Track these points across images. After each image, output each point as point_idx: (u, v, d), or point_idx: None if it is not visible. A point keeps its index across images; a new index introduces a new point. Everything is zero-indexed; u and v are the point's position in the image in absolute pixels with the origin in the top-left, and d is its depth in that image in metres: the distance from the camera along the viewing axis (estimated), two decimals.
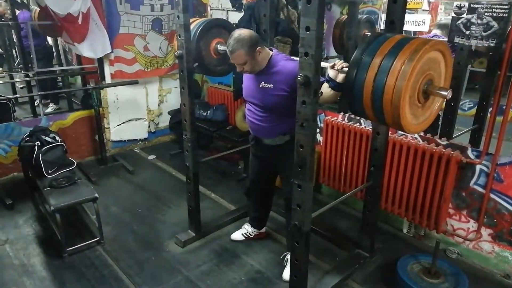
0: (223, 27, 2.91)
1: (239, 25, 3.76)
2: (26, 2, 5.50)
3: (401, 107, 1.65)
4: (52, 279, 2.66)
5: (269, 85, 2.31)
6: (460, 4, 2.64)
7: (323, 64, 1.91)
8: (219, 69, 2.95)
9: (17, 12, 4.93)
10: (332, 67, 1.98)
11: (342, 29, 3.68)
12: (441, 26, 3.36)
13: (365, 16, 3.81)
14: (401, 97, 1.63)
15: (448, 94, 1.74)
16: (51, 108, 5.53)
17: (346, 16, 3.62)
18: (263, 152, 2.66)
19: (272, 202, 3.03)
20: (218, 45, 2.82)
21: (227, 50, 2.28)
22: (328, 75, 2.01)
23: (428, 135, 2.89)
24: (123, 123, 4.77)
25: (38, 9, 4.53)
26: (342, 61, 1.99)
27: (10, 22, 4.85)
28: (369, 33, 3.73)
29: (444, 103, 3.06)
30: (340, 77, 1.96)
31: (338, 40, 3.76)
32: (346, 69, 1.88)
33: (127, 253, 2.93)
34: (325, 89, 2.02)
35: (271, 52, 2.36)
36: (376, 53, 1.72)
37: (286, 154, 2.31)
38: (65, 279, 2.66)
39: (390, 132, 2.54)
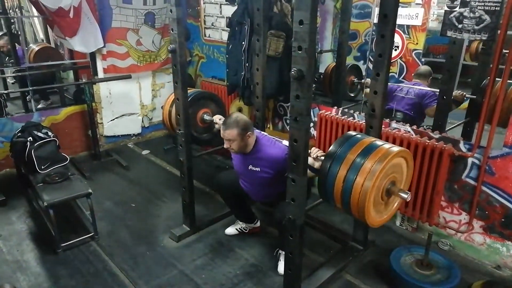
0: (210, 99, 3.18)
1: (233, 19, 3.74)
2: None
3: (366, 206, 1.85)
4: (46, 274, 2.65)
5: (256, 169, 2.60)
6: None
7: None
8: (203, 137, 3.23)
9: (17, 47, 4.86)
10: (309, 155, 2.07)
11: (332, 75, 3.93)
12: (420, 76, 3.47)
13: (351, 64, 4.03)
14: (367, 197, 1.83)
15: (407, 197, 1.95)
16: (42, 103, 5.48)
17: (334, 64, 3.88)
18: None
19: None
20: (205, 115, 3.07)
21: (223, 125, 2.52)
22: None
23: (421, 129, 2.91)
24: (116, 118, 4.74)
25: (36, 49, 4.74)
26: (318, 149, 2.20)
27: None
28: (355, 79, 3.99)
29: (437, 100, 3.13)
30: (316, 165, 2.14)
31: (328, 85, 4.02)
32: (322, 157, 2.05)
33: (122, 248, 2.93)
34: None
35: (256, 137, 2.59)
36: (348, 153, 1.92)
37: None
38: (59, 275, 2.65)
39: (383, 126, 2.55)
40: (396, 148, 1.95)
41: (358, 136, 2.04)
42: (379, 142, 1.98)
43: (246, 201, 2.98)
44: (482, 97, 2.66)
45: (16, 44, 4.81)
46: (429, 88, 3.35)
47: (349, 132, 2.13)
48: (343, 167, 1.90)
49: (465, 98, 3.15)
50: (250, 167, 2.62)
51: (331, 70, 3.97)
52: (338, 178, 1.91)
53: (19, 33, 4.27)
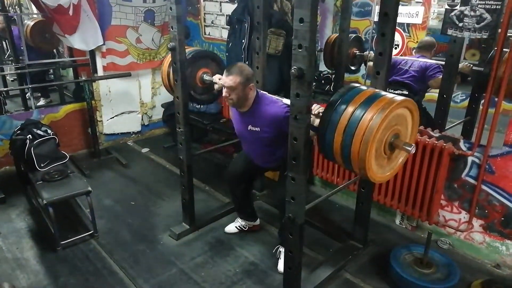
0: (211, 59, 3.04)
1: (233, 17, 3.74)
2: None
3: (366, 159, 1.74)
4: (46, 272, 2.65)
5: (256, 129, 2.50)
6: None
7: None
8: (202, 97, 3.10)
9: (13, 28, 4.82)
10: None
11: (333, 47, 3.84)
12: (422, 48, 3.48)
13: (354, 35, 3.95)
14: (368, 149, 1.72)
15: (411, 149, 1.84)
16: (42, 101, 5.47)
17: (337, 34, 3.78)
18: None
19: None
20: (204, 75, 2.94)
21: (225, 72, 2.40)
22: None
23: (421, 127, 2.91)
24: (116, 116, 4.74)
25: (31, 24, 4.55)
26: (319, 106, 2.11)
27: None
28: (357, 51, 3.90)
29: (437, 96, 3.13)
30: (316, 122, 2.04)
31: (329, 57, 3.94)
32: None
33: (121, 246, 2.93)
34: None
35: (256, 94, 2.49)
36: (349, 103, 1.81)
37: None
38: (59, 273, 2.65)
39: None
40: (400, 98, 1.80)
41: (361, 87, 1.92)
42: (382, 93, 1.86)
43: (251, 194, 3.02)
44: (489, 69, 2.58)
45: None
46: (433, 60, 3.36)
47: (352, 83, 2.01)
48: (342, 119, 1.78)
49: (472, 69, 3.06)
50: (250, 127, 2.53)
51: (333, 41, 3.89)
52: (337, 130, 1.80)
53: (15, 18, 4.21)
